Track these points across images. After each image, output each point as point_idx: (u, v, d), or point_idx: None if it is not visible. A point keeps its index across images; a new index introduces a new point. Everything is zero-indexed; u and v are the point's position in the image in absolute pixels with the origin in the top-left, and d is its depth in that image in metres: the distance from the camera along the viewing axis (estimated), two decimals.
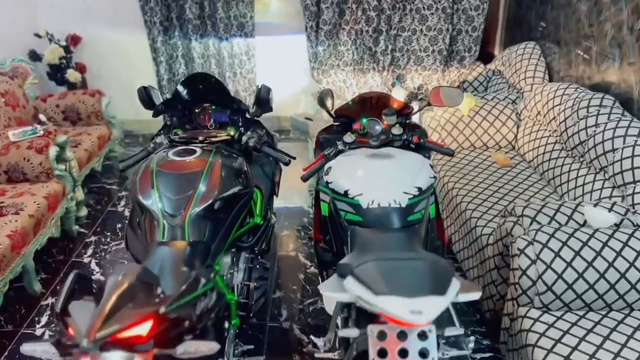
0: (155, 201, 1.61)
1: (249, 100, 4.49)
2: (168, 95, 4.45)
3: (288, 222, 3.24)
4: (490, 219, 2.44)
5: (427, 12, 3.87)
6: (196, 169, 1.68)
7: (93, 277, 2.78)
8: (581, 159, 2.54)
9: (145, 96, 2.08)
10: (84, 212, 3.29)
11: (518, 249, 1.90)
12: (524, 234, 1.97)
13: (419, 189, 1.68)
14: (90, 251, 3.00)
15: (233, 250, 1.84)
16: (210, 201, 1.63)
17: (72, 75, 4.06)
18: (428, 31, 3.94)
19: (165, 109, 2.11)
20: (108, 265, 2.88)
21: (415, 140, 2.04)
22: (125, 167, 1.96)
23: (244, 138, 2.01)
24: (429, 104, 2.20)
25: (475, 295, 1.23)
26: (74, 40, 4.17)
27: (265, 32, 4.31)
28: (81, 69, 4.21)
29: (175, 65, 4.35)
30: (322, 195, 2.06)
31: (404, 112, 2.13)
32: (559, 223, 2.01)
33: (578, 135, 2.53)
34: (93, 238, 3.13)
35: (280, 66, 4.49)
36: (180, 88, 2.06)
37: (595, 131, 2.41)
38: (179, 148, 1.79)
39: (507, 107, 3.17)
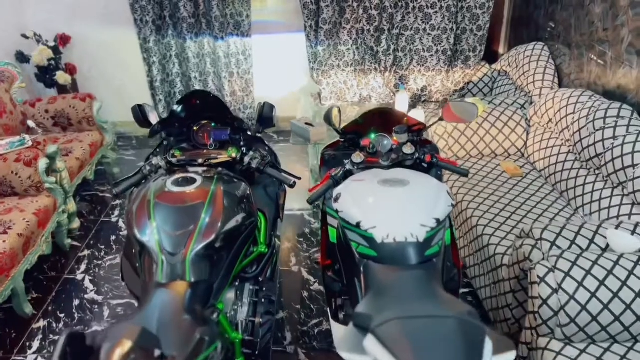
0: (153, 237, 1.48)
1: (245, 101, 4.35)
2: (162, 108, 4.31)
3: (288, 231, 3.13)
4: (503, 237, 2.33)
5: (430, 10, 3.73)
6: (197, 201, 1.56)
7: (87, 295, 2.66)
8: (597, 172, 2.43)
9: (140, 115, 1.95)
10: (76, 224, 3.16)
11: (538, 277, 1.80)
12: (544, 259, 1.86)
13: (437, 220, 1.56)
14: (83, 267, 2.88)
15: (236, 283, 1.72)
16: (213, 237, 1.51)
17: (61, 77, 3.89)
18: (432, 30, 3.80)
19: (161, 128, 1.97)
20: (103, 282, 2.75)
21: (427, 160, 1.93)
22: (118, 192, 1.84)
23: (246, 159, 1.89)
24: (441, 120, 2.08)
25: (510, 356, 1.12)
26: (63, 40, 4.00)
27: (262, 30, 4.16)
28: (71, 70, 4.05)
29: (169, 66, 4.20)
30: (329, 219, 1.94)
31: (415, 128, 2.02)
32: (580, 248, 1.91)
33: (594, 148, 2.42)
34: (86, 252, 3.00)
35: (278, 66, 4.34)
36: (176, 107, 1.93)
37: (613, 144, 2.30)
38: (178, 176, 1.66)
39: (517, 112, 3.05)
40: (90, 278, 2.79)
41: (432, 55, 3.87)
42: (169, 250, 1.47)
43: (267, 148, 2.13)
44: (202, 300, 1.45)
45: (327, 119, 2.00)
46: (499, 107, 3.10)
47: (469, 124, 3.02)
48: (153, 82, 4.22)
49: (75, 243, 3.08)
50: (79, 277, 2.81)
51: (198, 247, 1.48)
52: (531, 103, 3.22)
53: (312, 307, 2.54)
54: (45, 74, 3.91)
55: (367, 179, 1.73)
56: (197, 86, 4.26)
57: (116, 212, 3.41)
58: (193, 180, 1.64)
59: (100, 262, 2.91)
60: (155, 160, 1.89)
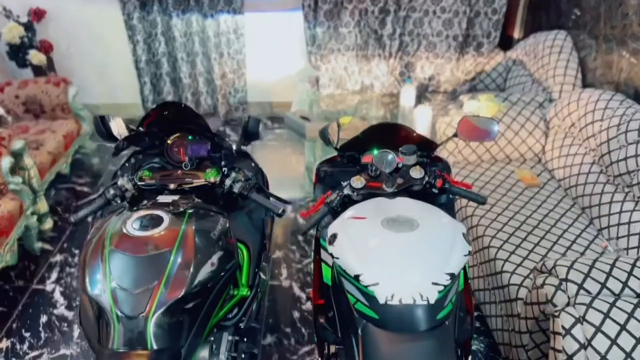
0: (106, 295, 1.22)
1: (237, 83, 4.03)
2: (148, 91, 3.97)
3: (278, 237, 2.86)
4: (519, 262, 2.07)
5: None
6: (163, 249, 1.28)
7: (56, 310, 2.41)
8: (626, 190, 2.16)
9: (102, 127, 1.66)
10: (48, 224, 2.89)
11: (563, 328, 1.55)
12: (570, 305, 1.61)
13: (451, 275, 1.30)
14: (54, 275, 2.62)
15: (211, 337, 1.47)
16: (181, 292, 1.25)
17: (35, 57, 3.55)
18: (442, 13, 3.45)
19: (128, 144, 1.68)
20: (74, 295, 2.51)
21: (439, 185, 1.65)
22: (77, 220, 1.56)
23: (227, 182, 1.60)
24: (455, 136, 1.80)
25: None
26: (37, 14, 3.64)
27: (255, 7, 3.80)
28: (46, 48, 3.70)
29: (154, 44, 3.85)
30: (323, 253, 1.68)
31: (424, 146, 1.74)
32: (613, 292, 1.65)
33: (625, 163, 2.14)
34: (58, 257, 2.74)
35: (273, 47, 3.99)
36: (145, 120, 1.64)
37: None
38: (142, 214, 1.38)
39: (535, 113, 2.75)
40: (60, 289, 2.54)
41: (441, 41, 3.53)
42: (127, 313, 1.20)
43: (252, 164, 1.84)
44: None
45: (323, 135, 1.71)
46: (516, 105, 2.80)
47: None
48: (137, 62, 3.88)
49: (46, 246, 2.82)
50: (49, 287, 2.55)
51: (162, 308, 1.22)
52: (550, 101, 2.91)
53: (303, 330, 2.30)
54: (17, 53, 3.57)
55: (368, 217, 1.46)
56: (185, 68, 3.92)
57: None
58: (160, 220, 1.36)
59: (72, 270, 2.65)
60: (121, 182, 1.61)
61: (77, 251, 2.78)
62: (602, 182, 2.30)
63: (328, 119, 3.53)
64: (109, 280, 1.23)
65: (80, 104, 3.37)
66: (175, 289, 1.24)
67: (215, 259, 1.36)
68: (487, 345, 2.23)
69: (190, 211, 1.43)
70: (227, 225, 1.48)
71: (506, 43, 3.72)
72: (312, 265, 2.02)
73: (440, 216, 1.49)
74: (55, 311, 2.42)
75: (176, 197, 1.51)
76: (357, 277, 1.31)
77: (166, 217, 1.37)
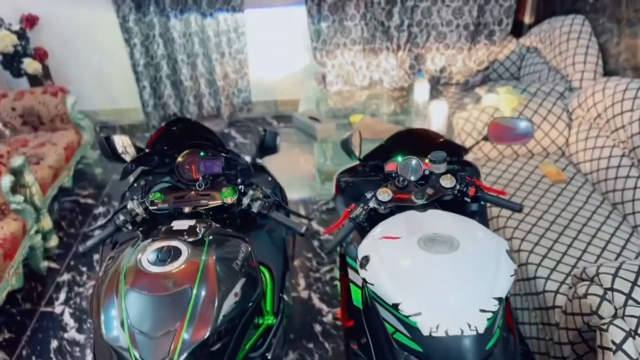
0: (124, 340, 1.11)
1: (240, 84, 3.89)
2: (147, 95, 3.84)
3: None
4: (553, 267, 1.96)
5: None
6: (184, 285, 1.17)
7: (66, 334, 2.31)
8: None
9: (107, 148, 1.54)
10: (54, 241, 2.78)
11: (613, 343, 1.44)
12: (618, 318, 1.50)
13: (499, 299, 1.19)
14: (62, 296, 2.52)
15: None
16: (207, 332, 1.14)
17: (30, 65, 3.42)
18: (451, 1, 3.31)
19: (136, 166, 1.57)
20: (84, 316, 2.40)
21: (471, 194, 1.53)
22: (85, 250, 1.45)
23: (245, 200, 1.49)
24: (485, 139, 1.68)
25: None
26: (30, 21, 3.50)
27: (256, 3, 3.66)
28: (41, 56, 3.56)
29: (153, 47, 3.71)
30: (351, 272, 1.56)
31: (453, 150, 1.62)
32: None
33: None
34: (66, 277, 2.64)
35: (275, 43, 3.86)
36: (154, 138, 1.53)
37: None
38: (157, 245, 1.27)
39: (556, 104, 2.62)
40: (70, 311, 2.43)
41: (452, 31, 3.39)
42: None
43: (269, 178, 1.72)
44: None
45: (346, 146, 1.59)
46: (536, 96, 2.67)
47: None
48: (135, 65, 3.75)
49: (53, 265, 2.71)
50: (58, 309, 2.45)
51: (186, 352, 1.11)
52: (571, 90, 2.79)
53: (326, 345, 2.20)
54: (11, 63, 3.44)
55: (402, 236, 1.34)
56: (185, 70, 3.79)
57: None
58: (178, 252, 1.24)
59: (81, 290, 2.55)
60: (131, 205, 1.50)
61: (84, 269, 2.68)
62: (635, 177, 2.18)
63: (337, 116, 3.40)
64: (126, 324, 1.12)
65: (80, 114, 3.25)
66: (200, 330, 1.13)
67: (238, 288, 1.25)
68: (521, 354, 2.12)
69: (209, 238, 1.31)
70: (249, 250, 1.37)
71: (517, 29, 3.58)
72: (338, 283, 1.91)
73: (480, 231, 1.37)
74: (65, 335, 2.32)
75: (192, 222, 1.39)
76: (395, 306, 1.19)
77: (184, 249, 1.25)
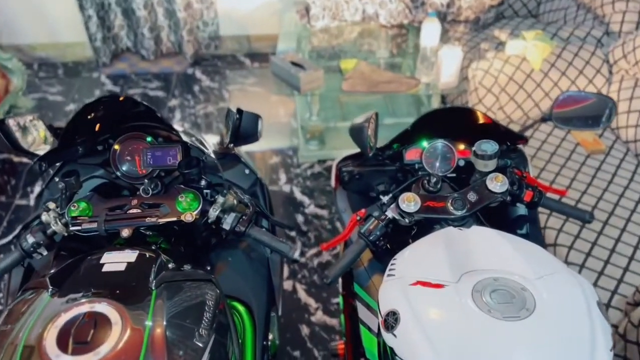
0: None
1: (205, 15, 3.26)
2: (95, 27, 3.17)
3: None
4: (600, 269, 1.58)
5: None
6: None
7: None
8: None
9: (3, 138, 1.03)
10: None
11: None
12: None
13: None
14: None
15: None
16: None
17: None
18: None
19: (49, 163, 1.07)
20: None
21: (527, 199, 1.10)
22: None
23: (213, 213, 1.02)
24: (544, 120, 1.23)
25: None
26: None
27: None
28: None
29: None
30: (360, 309, 1.14)
31: (502, 137, 1.18)
32: None
33: None
34: None
35: None
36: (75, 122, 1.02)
37: None
38: (73, 312, 0.79)
39: (595, 54, 2.15)
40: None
41: None
42: None
43: (247, 171, 1.23)
44: None
45: (358, 136, 1.10)
46: (571, 45, 2.19)
47: (531, 72, 2.12)
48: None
49: None
50: None
51: None
52: (607, 34, 2.31)
53: (315, 353, 1.82)
54: None
55: (446, 281, 0.90)
56: None
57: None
58: (105, 324, 0.78)
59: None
60: (45, 217, 1.01)
61: None
62: None
63: (322, 57, 2.87)
64: None
65: (8, 53, 2.62)
66: None
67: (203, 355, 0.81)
68: None
69: (156, 291, 0.85)
70: (218, 292, 0.92)
71: None
72: (341, 316, 1.49)
73: (555, 269, 0.94)
74: None
75: (132, 257, 0.92)
76: None
77: (116, 318, 0.78)
